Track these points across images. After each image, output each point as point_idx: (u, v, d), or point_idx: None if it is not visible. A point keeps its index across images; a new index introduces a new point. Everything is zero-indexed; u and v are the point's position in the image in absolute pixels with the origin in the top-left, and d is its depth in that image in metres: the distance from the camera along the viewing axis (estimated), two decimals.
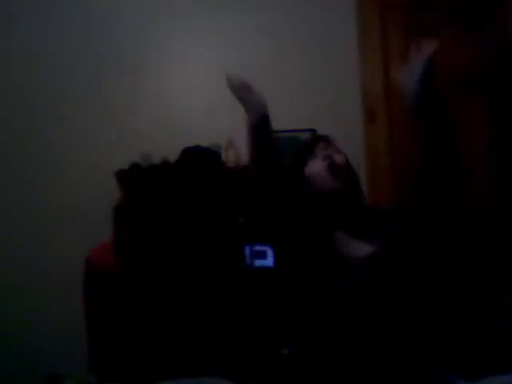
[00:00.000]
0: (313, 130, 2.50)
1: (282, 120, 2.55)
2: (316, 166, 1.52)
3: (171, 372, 1.46)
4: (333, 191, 1.48)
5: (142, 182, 2.34)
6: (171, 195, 2.10)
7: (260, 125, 1.55)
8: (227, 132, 2.48)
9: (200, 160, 2.30)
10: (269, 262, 2.00)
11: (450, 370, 1.41)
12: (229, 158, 2.46)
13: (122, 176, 2.39)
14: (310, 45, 2.60)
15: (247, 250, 2.03)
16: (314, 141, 1.64)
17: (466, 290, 2.21)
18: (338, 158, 1.52)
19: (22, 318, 2.48)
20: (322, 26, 2.59)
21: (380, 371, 1.34)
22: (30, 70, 2.57)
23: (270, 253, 2.02)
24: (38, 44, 2.58)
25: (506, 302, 1.88)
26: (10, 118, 2.56)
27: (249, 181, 1.99)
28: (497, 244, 2.45)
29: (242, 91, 1.58)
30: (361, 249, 1.42)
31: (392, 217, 1.58)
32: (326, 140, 1.59)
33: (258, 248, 2.04)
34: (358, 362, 1.35)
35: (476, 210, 2.56)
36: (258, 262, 2.03)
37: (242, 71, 2.60)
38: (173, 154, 2.34)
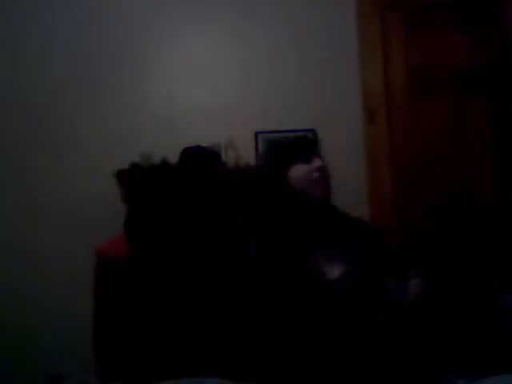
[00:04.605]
0: (313, 130, 2.50)
1: (282, 120, 2.58)
2: (303, 171, 1.57)
3: (171, 372, 1.46)
4: (315, 199, 1.53)
5: (141, 182, 2.34)
6: (171, 195, 2.10)
7: None
8: (227, 132, 2.49)
9: (200, 160, 2.30)
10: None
11: (451, 370, 1.41)
12: (229, 158, 2.46)
13: (122, 176, 2.39)
14: (309, 44, 2.60)
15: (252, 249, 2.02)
16: (304, 145, 1.69)
17: (466, 290, 2.21)
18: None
19: (22, 318, 2.47)
20: (322, 26, 2.59)
21: (379, 371, 1.34)
22: (29, 70, 2.57)
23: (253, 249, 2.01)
24: (37, 43, 2.58)
25: (507, 302, 1.88)
26: (10, 118, 2.56)
27: (249, 181, 1.99)
28: (497, 243, 2.45)
29: None
30: (334, 270, 1.44)
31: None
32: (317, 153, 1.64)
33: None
34: (357, 361, 1.35)
35: (476, 210, 2.56)
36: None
37: (242, 71, 2.62)
38: (173, 154, 2.34)
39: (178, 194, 2.08)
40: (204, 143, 2.40)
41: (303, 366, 1.38)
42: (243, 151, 2.48)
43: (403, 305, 1.45)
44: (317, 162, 1.58)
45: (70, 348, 2.36)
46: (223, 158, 2.45)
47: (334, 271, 1.44)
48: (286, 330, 1.42)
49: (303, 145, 1.71)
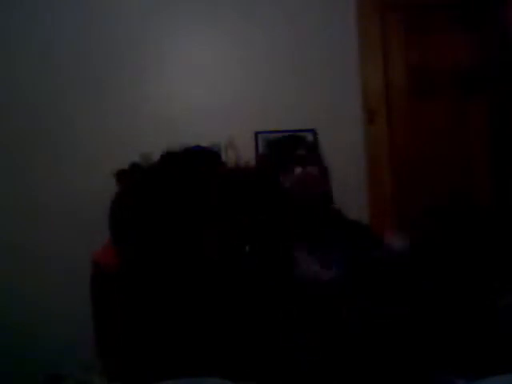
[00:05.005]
0: (313, 130, 2.50)
1: (282, 120, 2.58)
2: (296, 174, 1.61)
3: (171, 372, 1.46)
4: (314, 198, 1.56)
5: (141, 182, 2.33)
6: (171, 195, 2.10)
7: None
8: (227, 132, 2.49)
9: (200, 160, 2.29)
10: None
11: (451, 370, 1.41)
12: (229, 158, 2.46)
13: (122, 176, 2.38)
14: (309, 44, 2.60)
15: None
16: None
17: (466, 290, 2.21)
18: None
19: (22, 318, 2.47)
20: (322, 26, 2.59)
21: (379, 371, 1.34)
22: (29, 70, 2.57)
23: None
24: (37, 43, 2.58)
25: (507, 302, 1.88)
26: (10, 118, 2.56)
27: (249, 181, 1.99)
28: (497, 243, 2.44)
29: None
30: (329, 270, 1.46)
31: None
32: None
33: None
34: (357, 361, 1.35)
35: (476, 210, 2.56)
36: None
37: (242, 71, 2.62)
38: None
39: (177, 193, 2.08)
40: (204, 143, 2.39)
41: (303, 366, 1.38)
42: (243, 151, 2.48)
43: (395, 255, 1.47)
44: (309, 168, 1.60)
45: (69, 348, 2.36)
46: (223, 158, 2.44)
47: (329, 271, 1.45)
48: (286, 329, 1.43)
49: (298, 146, 1.72)
